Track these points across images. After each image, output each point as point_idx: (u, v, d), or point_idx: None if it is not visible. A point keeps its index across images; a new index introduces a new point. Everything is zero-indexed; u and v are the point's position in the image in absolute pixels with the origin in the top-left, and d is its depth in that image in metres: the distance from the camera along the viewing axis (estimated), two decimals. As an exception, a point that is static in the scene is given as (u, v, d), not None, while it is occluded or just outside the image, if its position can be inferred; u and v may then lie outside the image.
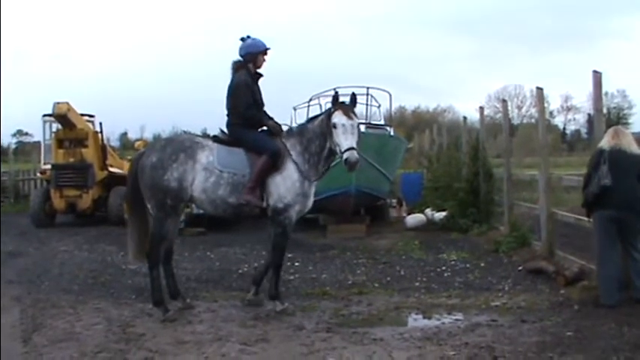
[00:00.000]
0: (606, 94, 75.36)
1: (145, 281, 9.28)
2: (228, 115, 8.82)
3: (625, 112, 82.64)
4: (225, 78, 8.86)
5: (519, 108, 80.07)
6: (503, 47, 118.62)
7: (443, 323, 7.97)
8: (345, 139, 8.05)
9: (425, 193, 19.55)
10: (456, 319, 8.14)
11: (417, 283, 10.26)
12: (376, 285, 10.15)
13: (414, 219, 16.84)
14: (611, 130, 8.61)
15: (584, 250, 10.41)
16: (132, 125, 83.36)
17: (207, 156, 8.42)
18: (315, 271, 11.34)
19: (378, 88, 18.06)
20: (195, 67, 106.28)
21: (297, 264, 11.80)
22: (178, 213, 8.87)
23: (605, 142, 8.46)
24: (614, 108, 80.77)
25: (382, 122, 18.84)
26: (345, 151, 7.99)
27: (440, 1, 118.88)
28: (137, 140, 32.32)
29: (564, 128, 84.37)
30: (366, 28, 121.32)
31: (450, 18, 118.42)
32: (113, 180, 19.51)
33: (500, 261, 11.82)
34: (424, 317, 8.34)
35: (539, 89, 11.75)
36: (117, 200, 18.45)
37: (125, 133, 71.49)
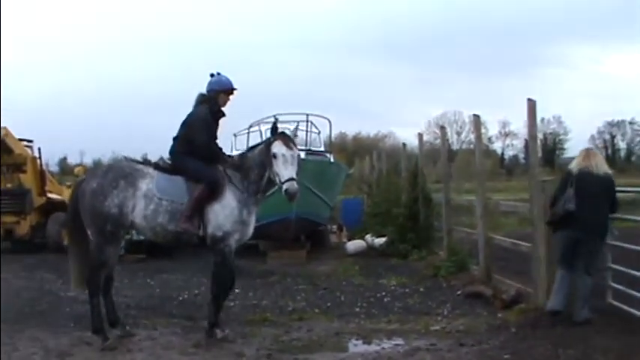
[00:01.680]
0: (542, 120, 77.19)
1: (83, 309, 9.14)
2: (174, 141, 8.79)
3: (561, 137, 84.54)
4: (178, 105, 8.97)
5: (458, 134, 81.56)
6: (443, 73, 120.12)
7: (383, 348, 8.07)
8: (285, 169, 8.11)
9: (365, 218, 19.67)
10: (396, 344, 8.23)
11: (357, 309, 10.32)
12: (316, 311, 10.19)
13: (354, 245, 16.93)
14: (582, 151, 8.83)
15: (520, 273, 10.63)
16: (71, 150, 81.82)
17: (148, 183, 8.43)
18: (255, 297, 11.32)
19: (318, 115, 18.26)
20: (135, 91, 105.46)
21: (237, 290, 11.63)
22: (119, 239, 8.80)
23: (575, 164, 8.67)
24: (551, 134, 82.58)
25: (322, 149, 18.98)
26: (286, 181, 8.05)
27: (380, 27, 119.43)
28: (77, 165, 31.97)
29: (502, 153, 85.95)
30: (308, 52, 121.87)
31: (391, 43, 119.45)
32: (52, 206, 19.21)
33: (439, 285, 11.96)
34: (364, 342, 8.40)
35: (476, 116, 11.99)
36: (55, 227, 18.17)
37: (64, 158, 70.58)
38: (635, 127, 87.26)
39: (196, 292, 11.57)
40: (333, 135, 20.93)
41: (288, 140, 8.29)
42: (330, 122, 18.98)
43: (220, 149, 8.88)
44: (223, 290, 8.67)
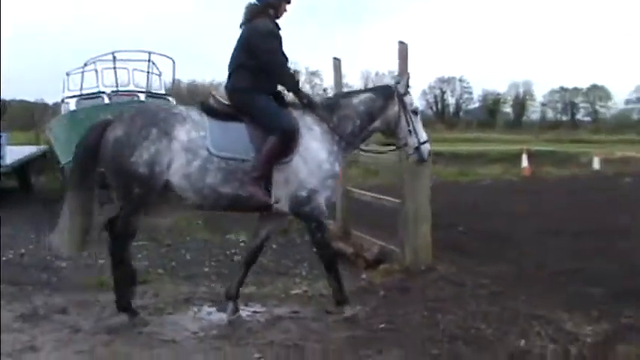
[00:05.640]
0: (377, 74, 78.95)
1: None
2: (233, 73, 6.99)
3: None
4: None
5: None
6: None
7: (239, 317, 7.05)
8: (422, 129, 7.25)
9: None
10: (255, 312, 7.30)
11: (206, 269, 9.38)
12: (160, 271, 9.14)
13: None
14: None
15: (380, 229, 9.95)
16: None
17: (189, 131, 6.59)
18: (89, 256, 9.73)
19: (161, 54, 16.86)
20: None
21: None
22: (151, 204, 6.89)
23: None
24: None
25: (163, 92, 17.72)
26: (425, 142, 7.22)
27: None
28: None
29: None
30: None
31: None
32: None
33: (293, 241, 11.19)
34: (219, 310, 7.32)
35: (337, 60, 11.08)
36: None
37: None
38: (464, 84, 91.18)
39: (23, 251, 10.16)
40: (175, 78, 19.80)
41: None
42: (174, 62, 17.65)
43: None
44: (332, 260, 7.19)
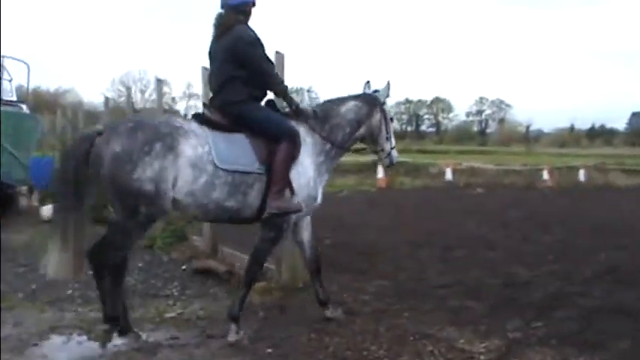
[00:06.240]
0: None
1: None
2: (222, 88, 6.69)
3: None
4: None
5: (142, 92, 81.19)
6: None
7: (115, 346, 6.48)
8: (393, 136, 7.50)
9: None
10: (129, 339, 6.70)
11: (70, 291, 8.64)
12: (21, 295, 8.41)
13: (50, 210, 15.00)
14: None
15: (250, 245, 9.62)
16: None
17: (195, 147, 6.16)
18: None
19: (15, 58, 15.91)
20: None
21: None
22: (154, 222, 6.39)
23: None
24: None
25: (15, 98, 16.72)
26: (393, 147, 7.52)
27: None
28: None
29: (185, 114, 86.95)
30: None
31: None
32: None
33: (159, 259, 10.64)
34: (89, 339, 6.70)
35: (159, 81, 10.79)
36: None
37: None
38: (313, 94, 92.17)
39: None
40: (29, 84, 18.87)
41: None
42: (28, 67, 16.68)
43: None
44: (254, 277, 7.00)
